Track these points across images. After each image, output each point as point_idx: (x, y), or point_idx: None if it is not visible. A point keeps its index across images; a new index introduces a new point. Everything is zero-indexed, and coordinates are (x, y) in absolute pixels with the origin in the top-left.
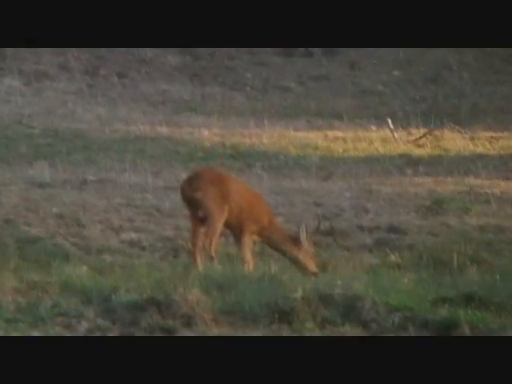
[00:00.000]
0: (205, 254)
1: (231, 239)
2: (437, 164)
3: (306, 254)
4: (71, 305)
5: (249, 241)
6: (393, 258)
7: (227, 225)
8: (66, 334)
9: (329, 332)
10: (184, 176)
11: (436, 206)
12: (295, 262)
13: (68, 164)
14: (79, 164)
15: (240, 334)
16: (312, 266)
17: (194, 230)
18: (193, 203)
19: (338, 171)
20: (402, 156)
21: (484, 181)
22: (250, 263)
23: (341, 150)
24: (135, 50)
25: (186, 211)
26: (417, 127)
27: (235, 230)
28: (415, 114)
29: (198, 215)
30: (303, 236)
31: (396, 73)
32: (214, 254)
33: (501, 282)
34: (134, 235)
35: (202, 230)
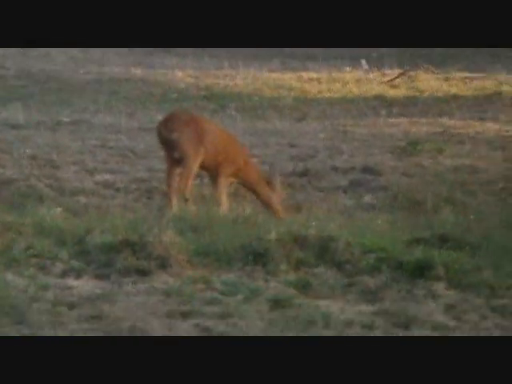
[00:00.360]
0: (180, 196)
1: (206, 180)
2: (411, 105)
3: (278, 197)
4: (45, 246)
5: (225, 182)
6: (367, 199)
7: (203, 167)
8: (41, 275)
9: (303, 273)
10: (158, 117)
11: (410, 146)
12: (267, 203)
13: (42, 105)
14: (53, 105)
15: (215, 276)
16: (280, 210)
17: (170, 172)
18: (169, 144)
19: (313, 112)
20: (376, 97)
21: (458, 121)
22: (224, 205)
23: (315, 91)
24: None
25: (161, 153)
26: (391, 68)
27: (211, 171)
28: (389, 54)
29: (174, 156)
30: (276, 179)
31: None
32: (188, 196)
33: (475, 223)
34: (108, 177)
35: (178, 171)
